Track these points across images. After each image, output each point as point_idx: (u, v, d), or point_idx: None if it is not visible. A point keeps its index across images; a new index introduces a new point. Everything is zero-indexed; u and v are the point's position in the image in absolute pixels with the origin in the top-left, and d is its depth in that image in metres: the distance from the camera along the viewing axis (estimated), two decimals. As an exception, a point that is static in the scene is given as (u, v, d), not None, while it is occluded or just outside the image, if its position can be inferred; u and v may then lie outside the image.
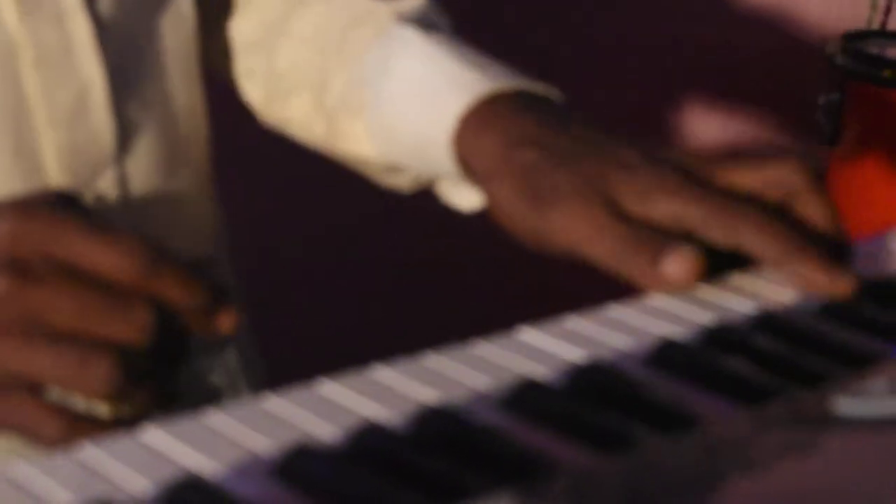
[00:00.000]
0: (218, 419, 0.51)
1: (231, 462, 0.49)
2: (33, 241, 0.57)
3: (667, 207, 0.65)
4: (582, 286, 1.35)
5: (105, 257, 0.56)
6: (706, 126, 1.80)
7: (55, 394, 0.58)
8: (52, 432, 0.57)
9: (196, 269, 0.58)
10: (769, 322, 0.61)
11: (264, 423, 0.51)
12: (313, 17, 0.84)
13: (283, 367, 0.89)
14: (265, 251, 1.53)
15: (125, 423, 0.58)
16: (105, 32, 0.75)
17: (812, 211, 0.66)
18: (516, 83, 0.75)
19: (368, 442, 0.50)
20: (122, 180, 0.77)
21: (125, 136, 0.76)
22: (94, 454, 0.49)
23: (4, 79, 0.71)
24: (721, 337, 0.60)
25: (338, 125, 0.82)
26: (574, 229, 0.66)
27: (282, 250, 1.57)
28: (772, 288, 0.65)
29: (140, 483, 0.47)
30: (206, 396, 0.79)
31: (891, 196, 1.49)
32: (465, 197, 0.78)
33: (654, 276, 0.63)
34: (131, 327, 0.56)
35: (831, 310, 0.63)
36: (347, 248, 1.61)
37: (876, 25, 1.78)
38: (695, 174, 0.67)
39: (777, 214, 0.65)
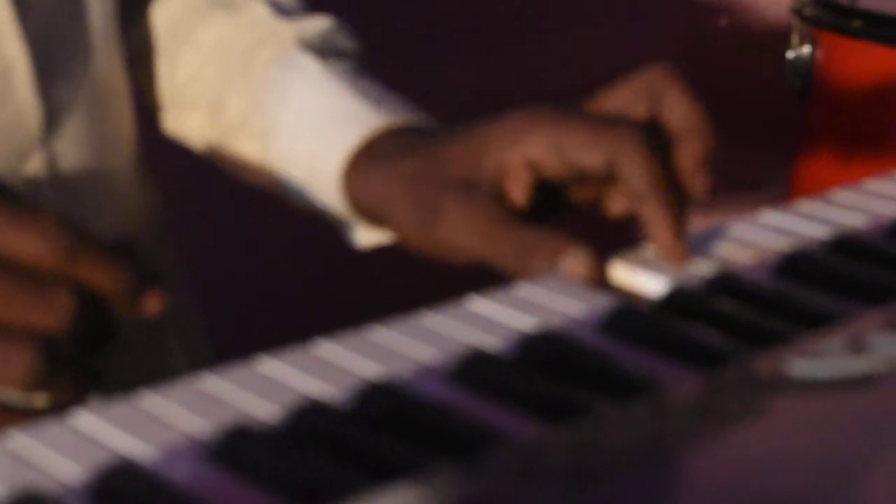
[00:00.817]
0: (152, 401, 0.51)
1: (165, 445, 0.48)
2: None
3: (544, 141, 0.65)
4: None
5: (24, 242, 0.55)
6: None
7: None
8: None
9: (122, 250, 0.57)
10: (726, 284, 0.61)
11: (200, 403, 0.51)
12: (217, 30, 0.85)
13: (231, 351, 0.89)
14: (213, 232, 1.53)
15: (49, 410, 0.57)
16: (27, 11, 0.75)
17: (677, 111, 0.67)
18: (407, 118, 0.76)
19: (309, 420, 0.50)
20: (51, 161, 0.77)
21: (52, 116, 0.76)
22: (22, 441, 0.48)
23: None
24: (676, 300, 0.60)
25: (233, 146, 0.83)
26: (463, 243, 0.67)
27: (231, 231, 1.57)
28: (730, 249, 0.65)
29: (71, 469, 0.46)
30: (147, 380, 0.79)
31: (866, 148, 1.49)
32: (361, 235, 0.79)
33: (559, 267, 0.64)
34: (52, 314, 0.55)
35: (789, 269, 0.63)
36: (297, 231, 1.61)
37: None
38: (568, 107, 0.68)
39: (652, 143, 0.65)
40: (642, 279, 0.63)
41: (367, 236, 0.78)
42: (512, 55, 1.74)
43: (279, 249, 1.62)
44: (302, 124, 0.78)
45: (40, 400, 0.57)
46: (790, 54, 1.55)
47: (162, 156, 0.91)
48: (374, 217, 0.74)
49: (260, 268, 1.61)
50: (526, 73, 1.76)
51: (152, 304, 0.58)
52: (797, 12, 1.57)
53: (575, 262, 0.63)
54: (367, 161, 0.74)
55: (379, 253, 1.67)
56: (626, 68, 1.86)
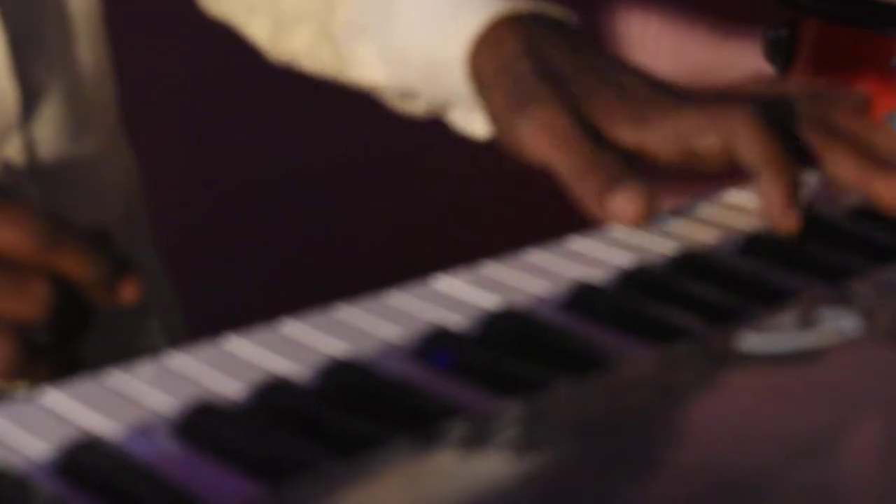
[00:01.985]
0: (118, 379, 0.51)
1: (132, 422, 0.48)
2: None
3: (665, 127, 0.66)
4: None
5: (6, 231, 0.55)
6: (656, 63, 1.80)
7: None
8: None
9: (98, 240, 0.57)
10: (688, 262, 0.62)
11: (166, 381, 0.51)
12: None
13: (209, 332, 0.89)
14: (190, 215, 1.52)
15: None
16: None
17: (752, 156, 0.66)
18: (530, 4, 0.75)
19: (273, 397, 0.50)
20: (29, 146, 0.76)
21: (30, 100, 0.76)
22: None
23: None
24: (639, 279, 0.60)
25: (346, 52, 0.81)
26: (540, 137, 0.67)
27: (208, 214, 1.57)
28: (695, 228, 0.66)
29: (38, 446, 0.47)
30: (126, 362, 0.79)
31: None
32: (477, 124, 0.78)
33: (601, 205, 0.64)
34: (29, 304, 0.55)
35: (751, 248, 0.63)
36: (275, 214, 1.61)
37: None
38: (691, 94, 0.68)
39: (764, 125, 0.66)
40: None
41: (481, 124, 0.77)
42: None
43: (257, 232, 1.62)
44: (418, 15, 0.77)
45: (18, 388, 0.57)
46: (770, 34, 1.55)
47: (139, 140, 0.91)
48: (483, 97, 0.74)
49: (237, 250, 1.61)
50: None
51: (128, 293, 0.58)
52: (777, -5, 1.57)
53: (623, 198, 0.63)
54: (490, 45, 0.73)
55: (356, 239, 1.67)
56: (610, 46, 1.85)
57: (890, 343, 0.48)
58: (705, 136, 0.65)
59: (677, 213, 0.67)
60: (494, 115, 0.72)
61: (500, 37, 0.73)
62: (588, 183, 0.65)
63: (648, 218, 0.64)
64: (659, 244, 0.64)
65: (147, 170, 0.91)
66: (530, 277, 0.60)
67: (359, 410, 0.49)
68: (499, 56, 0.72)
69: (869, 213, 0.67)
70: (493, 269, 0.61)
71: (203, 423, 0.48)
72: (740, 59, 1.83)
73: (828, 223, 0.66)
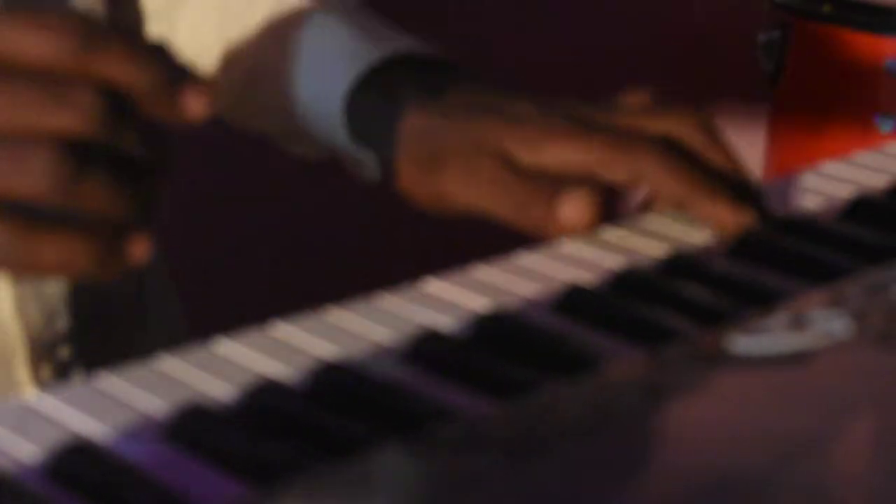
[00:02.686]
0: (109, 382, 0.51)
1: (122, 425, 0.49)
2: None
3: (561, 153, 0.65)
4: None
5: (33, 42, 0.49)
6: (649, 69, 1.80)
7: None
8: (19, 252, 0.50)
9: (149, 46, 0.50)
10: (678, 264, 0.62)
11: (158, 383, 0.51)
12: None
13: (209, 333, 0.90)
14: (193, 224, 1.53)
15: (96, 226, 0.51)
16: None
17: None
18: (408, 48, 0.75)
19: (264, 400, 0.50)
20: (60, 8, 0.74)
21: None
22: None
23: None
24: (629, 281, 0.60)
25: (234, 99, 0.83)
26: (468, 188, 0.66)
27: (211, 224, 1.57)
28: (684, 229, 0.66)
29: (28, 449, 0.47)
30: (128, 360, 0.79)
31: (834, 132, 1.50)
32: (365, 169, 0.78)
33: (553, 222, 0.63)
34: (73, 113, 0.48)
35: (741, 250, 0.63)
36: (274, 221, 1.61)
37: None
38: (591, 120, 0.67)
39: (679, 151, 0.65)
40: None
41: (370, 169, 0.77)
42: (506, 39, 1.74)
43: (257, 241, 1.62)
44: (303, 64, 0.78)
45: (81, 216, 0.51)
46: (762, 38, 1.56)
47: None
48: (373, 150, 0.73)
49: (237, 257, 1.61)
50: (522, 55, 1.76)
51: (195, 105, 0.50)
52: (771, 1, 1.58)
53: (572, 205, 0.63)
54: (370, 94, 0.73)
55: (353, 240, 1.67)
56: (606, 51, 1.86)
57: (880, 345, 0.48)
58: (614, 171, 0.64)
59: (668, 214, 0.67)
60: (402, 175, 0.71)
61: (380, 85, 0.73)
62: (532, 210, 0.64)
63: (600, 218, 0.63)
64: (649, 246, 0.64)
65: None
66: (521, 280, 0.60)
67: (349, 413, 0.49)
68: (384, 107, 0.72)
69: (858, 214, 0.67)
70: (484, 272, 0.61)
71: (193, 426, 0.48)
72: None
73: (818, 225, 0.66)
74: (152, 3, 0.86)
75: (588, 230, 0.63)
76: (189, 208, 1.50)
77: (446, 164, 0.67)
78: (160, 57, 0.50)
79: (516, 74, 1.69)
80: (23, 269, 0.50)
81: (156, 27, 0.87)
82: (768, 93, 1.57)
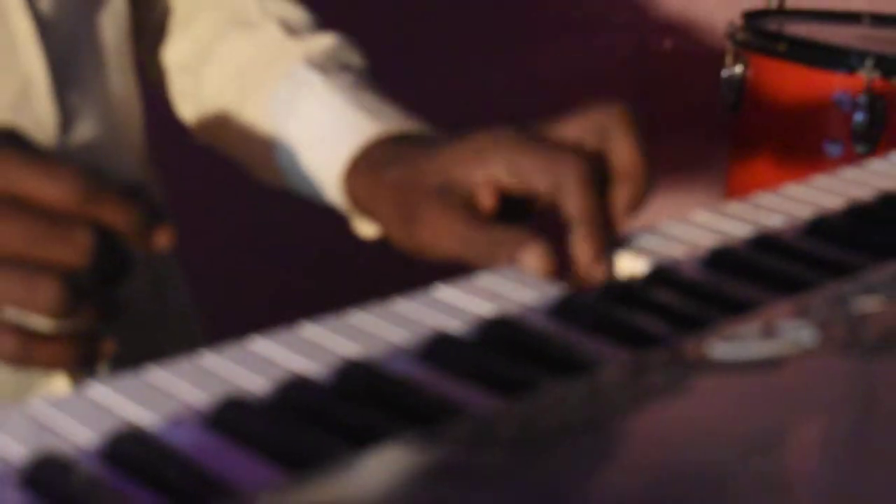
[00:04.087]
0: (156, 375, 0.51)
1: (168, 414, 0.48)
2: None
3: (504, 163, 0.65)
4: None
5: (45, 186, 0.55)
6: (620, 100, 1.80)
7: (12, 314, 0.57)
8: (9, 348, 0.56)
9: (133, 192, 0.57)
10: (660, 275, 0.61)
11: (199, 377, 0.51)
12: (235, 50, 0.84)
13: (220, 332, 0.90)
14: (209, 230, 1.52)
15: (77, 336, 0.58)
16: (46, 30, 0.74)
17: (621, 154, 0.66)
18: (401, 125, 0.75)
19: (294, 394, 0.50)
20: (65, 160, 0.75)
21: (67, 121, 0.75)
22: (42, 409, 0.48)
23: None
24: (617, 291, 0.60)
25: (250, 151, 0.82)
26: (441, 243, 0.67)
27: (224, 231, 1.57)
28: (665, 245, 0.65)
29: (85, 435, 0.47)
30: (149, 357, 0.79)
31: (789, 157, 1.50)
32: (363, 228, 0.78)
33: (519, 262, 0.63)
34: (73, 250, 0.55)
35: (716, 262, 0.63)
36: (285, 234, 1.60)
37: (774, 4, 1.79)
38: (528, 132, 0.67)
39: (594, 177, 0.65)
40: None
41: (365, 229, 0.77)
42: (477, 68, 1.74)
43: (267, 247, 1.62)
44: (307, 134, 0.77)
45: (55, 325, 0.57)
46: (725, 73, 1.56)
47: (165, 160, 0.91)
48: (367, 215, 0.74)
49: (248, 262, 1.61)
50: (490, 84, 1.75)
51: (162, 240, 0.57)
52: (731, 36, 1.57)
53: (532, 255, 0.62)
54: (362, 167, 0.73)
55: (361, 248, 1.66)
56: (582, 81, 1.85)
57: (843, 352, 0.48)
58: (538, 178, 0.64)
59: (650, 231, 0.66)
60: (388, 231, 0.72)
61: (372, 157, 0.73)
62: (497, 259, 0.64)
63: (553, 262, 0.63)
64: (635, 260, 0.64)
65: (171, 185, 0.90)
66: (521, 288, 0.60)
67: (370, 406, 0.49)
68: (372, 175, 0.72)
69: (819, 232, 0.67)
70: (488, 281, 0.61)
71: (231, 416, 0.48)
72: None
73: (783, 242, 0.65)
74: (180, 58, 0.86)
75: (547, 270, 0.63)
76: (206, 214, 1.50)
77: (417, 221, 0.68)
78: (140, 197, 0.56)
79: (479, 104, 1.68)
80: (21, 366, 0.57)
81: (181, 81, 0.87)
82: (730, 122, 1.57)
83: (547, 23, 1.79)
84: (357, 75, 0.81)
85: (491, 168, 0.66)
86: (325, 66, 0.80)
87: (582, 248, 0.63)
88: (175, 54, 0.87)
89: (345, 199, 0.75)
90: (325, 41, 0.82)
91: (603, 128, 0.66)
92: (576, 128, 0.67)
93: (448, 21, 1.74)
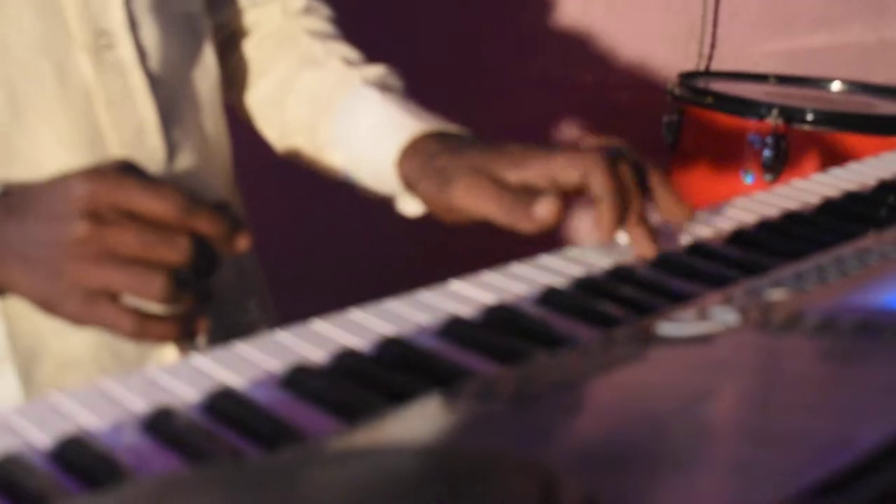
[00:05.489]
0: (242, 348, 0.51)
1: (253, 377, 0.48)
2: (104, 196, 0.56)
3: (536, 165, 0.65)
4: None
5: (155, 204, 0.55)
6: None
7: (131, 300, 0.57)
8: (128, 326, 0.57)
9: (220, 208, 0.57)
10: (618, 273, 0.62)
11: (274, 349, 0.51)
12: (308, 83, 0.83)
13: (293, 312, 0.89)
14: (280, 230, 1.51)
15: (179, 316, 0.58)
16: (155, 84, 0.73)
17: (598, 187, 0.64)
18: (438, 125, 0.74)
19: (346, 362, 0.50)
20: (170, 184, 0.75)
21: (172, 154, 0.75)
22: (157, 373, 0.49)
23: (85, 115, 0.70)
24: (586, 284, 0.60)
25: (323, 155, 0.81)
26: (469, 200, 0.65)
27: (293, 230, 1.56)
28: (623, 249, 0.65)
29: (190, 393, 0.47)
30: (233, 333, 0.79)
31: (714, 184, 1.50)
32: (410, 206, 0.77)
33: (531, 219, 0.62)
34: (176, 252, 0.55)
35: (662, 264, 0.63)
36: (348, 243, 1.58)
37: (702, 67, 1.79)
38: (551, 147, 0.67)
39: (612, 165, 0.64)
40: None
41: (410, 206, 0.76)
42: (457, 103, 1.71)
43: (324, 251, 1.61)
44: (367, 134, 0.77)
45: (163, 308, 0.58)
46: (665, 119, 1.56)
47: (245, 177, 0.90)
48: (412, 189, 0.72)
49: (310, 261, 1.60)
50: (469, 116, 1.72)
51: (242, 243, 0.57)
52: (670, 91, 1.58)
53: (545, 205, 0.61)
54: (410, 154, 0.72)
55: (396, 253, 1.63)
56: (551, 125, 1.81)
57: (758, 331, 0.48)
58: (568, 173, 0.64)
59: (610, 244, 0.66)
60: (427, 196, 0.70)
61: (421, 147, 0.72)
62: (515, 213, 0.63)
63: (562, 216, 0.62)
64: (598, 259, 0.64)
65: (249, 198, 0.90)
66: (515, 283, 0.60)
67: (402, 371, 0.49)
68: (419, 158, 0.71)
69: (738, 241, 0.67)
70: (491, 277, 0.61)
71: (299, 379, 0.48)
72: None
73: (711, 248, 0.65)
74: (265, 95, 0.86)
75: (555, 224, 0.62)
76: (279, 222, 1.49)
77: (453, 184, 0.66)
78: (226, 212, 0.57)
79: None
80: (139, 340, 0.57)
81: (267, 112, 0.86)
82: (669, 157, 1.57)
83: (525, 79, 1.76)
84: (400, 92, 0.81)
85: (528, 173, 0.65)
86: (378, 84, 0.80)
87: (606, 216, 0.62)
88: (260, 92, 0.86)
89: (396, 181, 0.73)
90: (376, 69, 0.82)
91: (585, 165, 0.64)
92: (569, 157, 0.65)
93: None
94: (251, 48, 0.87)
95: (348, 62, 0.83)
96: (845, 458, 0.35)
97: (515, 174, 0.65)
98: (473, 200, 0.65)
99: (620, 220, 0.63)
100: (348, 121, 0.79)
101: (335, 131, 0.80)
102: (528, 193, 0.63)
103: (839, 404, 0.40)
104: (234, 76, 0.87)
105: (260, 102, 0.86)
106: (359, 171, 0.79)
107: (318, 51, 0.84)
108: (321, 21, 0.87)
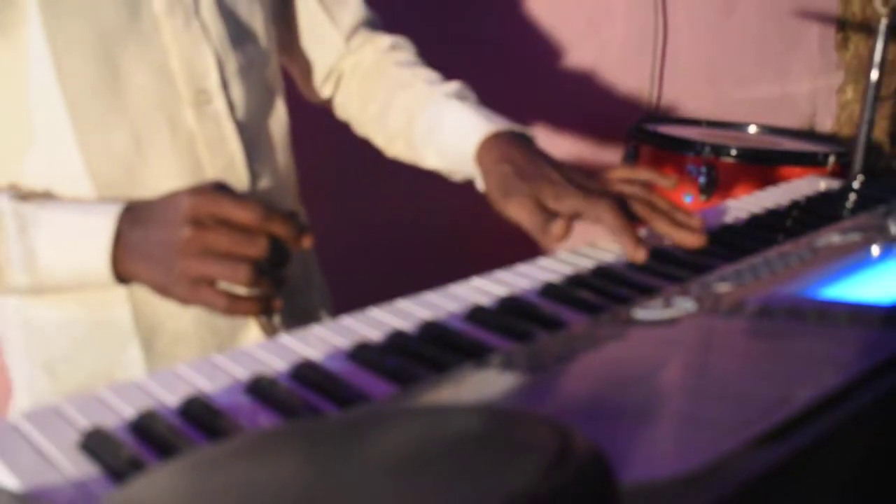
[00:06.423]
0: (317, 329, 0.51)
1: (327, 352, 0.48)
2: (203, 208, 0.57)
3: (568, 204, 0.65)
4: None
5: (242, 213, 0.56)
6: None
7: (224, 286, 0.58)
8: (223, 304, 0.57)
9: (289, 215, 0.58)
10: (601, 271, 0.61)
11: (340, 331, 0.51)
12: (403, 100, 0.83)
13: (344, 298, 0.88)
14: (337, 240, 1.51)
15: (260, 297, 0.59)
16: (241, 128, 0.73)
17: (609, 226, 0.65)
18: (509, 126, 0.74)
19: (395, 340, 0.50)
20: (253, 199, 0.75)
21: (254, 178, 0.75)
22: (254, 349, 0.48)
23: (189, 153, 0.70)
24: (578, 279, 0.59)
25: (419, 153, 0.81)
26: (516, 212, 0.66)
27: (349, 242, 1.55)
28: (602, 251, 0.65)
29: (279, 364, 0.46)
30: (301, 321, 0.79)
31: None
32: (481, 185, 0.75)
33: (550, 235, 0.63)
34: (257, 250, 0.56)
35: (636, 265, 0.62)
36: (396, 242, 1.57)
37: (653, 115, 1.78)
38: (583, 182, 0.67)
39: (622, 206, 0.65)
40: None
41: (482, 185, 0.74)
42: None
43: (374, 251, 1.59)
44: (452, 134, 0.76)
45: (248, 291, 0.58)
46: (625, 153, 1.55)
47: (308, 193, 0.89)
48: (484, 178, 0.72)
49: (362, 258, 1.59)
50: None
51: (306, 243, 0.58)
52: (628, 132, 1.57)
53: (558, 225, 0.63)
54: (485, 147, 0.72)
55: (430, 256, 1.61)
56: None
57: (710, 315, 0.47)
58: (587, 213, 0.64)
59: (597, 244, 0.66)
60: (491, 197, 0.70)
61: (492, 144, 0.72)
62: (542, 230, 0.63)
63: (569, 233, 0.63)
64: (583, 262, 0.63)
65: (310, 208, 0.89)
66: (522, 279, 0.59)
67: (439, 347, 0.49)
68: (492, 155, 0.71)
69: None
70: (503, 275, 0.60)
71: (362, 353, 0.48)
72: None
73: (671, 253, 0.65)
74: (372, 114, 0.85)
75: (565, 240, 0.63)
76: (335, 226, 1.48)
77: (510, 199, 0.67)
78: (294, 219, 0.57)
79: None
80: (229, 315, 0.58)
81: (376, 126, 0.85)
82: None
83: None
84: (474, 100, 0.80)
85: (560, 206, 0.65)
86: (456, 95, 0.80)
87: (626, 245, 0.62)
88: (368, 114, 0.85)
89: (475, 168, 0.73)
90: (454, 84, 0.82)
91: (597, 212, 0.65)
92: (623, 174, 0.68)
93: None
94: (356, 85, 0.87)
95: (430, 82, 0.82)
96: (784, 414, 0.35)
97: (553, 204, 0.66)
98: (519, 214, 0.66)
99: (637, 245, 0.63)
100: (436, 124, 0.78)
101: (426, 134, 0.79)
102: (552, 218, 0.64)
103: (776, 371, 0.40)
104: (347, 104, 0.87)
105: (369, 121, 0.86)
106: (446, 163, 0.78)
107: (406, 76, 0.84)
108: (405, 53, 0.87)
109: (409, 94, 0.82)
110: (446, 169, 0.79)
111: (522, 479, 0.25)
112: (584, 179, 0.67)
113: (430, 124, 0.79)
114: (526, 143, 0.73)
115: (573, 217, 0.65)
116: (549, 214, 0.65)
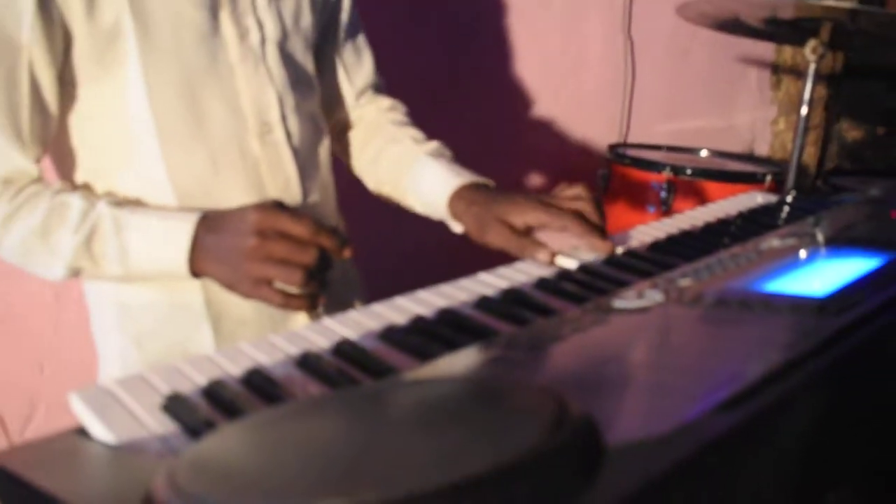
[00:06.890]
0: (356, 314, 0.50)
1: (361, 332, 0.47)
2: (266, 222, 0.57)
3: (532, 216, 0.64)
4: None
5: (296, 227, 0.56)
6: (525, 190, 1.76)
7: (279, 285, 0.58)
8: (278, 301, 0.58)
9: (334, 229, 0.58)
10: (585, 269, 0.60)
11: (373, 316, 0.50)
12: (392, 153, 0.82)
13: (376, 294, 0.88)
14: (373, 250, 1.50)
15: (308, 295, 0.58)
16: (296, 154, 0.73)
17: (586, 210, 0.65)
18: (473, 179, 0.74)
19: (417, 324, 0.49)
20: (305, 210, 0.75)
21: (305, 196, 0.75)
22: (302, 330, 0.47)
23: (255, 174, 0.70)
24: (566, 275, 0.58)
25: (407, 201, 0.81)
26: (496, 240, 0.66)
27: (377, 242, 1.54)
28: (584, 254, 0.64)
29: (323, 343, 0.46)
30: (341, 309, 0.79)
31: (632, 215, 1.48)
32: (456, 227, 0.76)
33: (529, 252, 0.63)
34: (308, 258, 0.56)
35: (612, 263, 0.62)
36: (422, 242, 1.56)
37: (623, 140, 1.77)
38: (543, 200, 0.66)
39: (582, 216, 0.64)
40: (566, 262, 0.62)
41: (457, 228, 0.75)
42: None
43: (400, 254, 1.58)
44: (429, 187, 0.76)
45: (304, 291, 0.58)
46: (599, 172, 1.54)
47: (347, 210, 0.89)
48: (459, 222, 0.72)
49: (390, 261, 1.58)
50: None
51: (347, 252, 0.58)
52: (603, 156, 1.56)
53: (542, 254, 0.62)
54: (456, 198, 0.72)
55: (444, 255, 1.59)
56: (523, 179, 1.74)
57: (676, 304, 0.47)
58: (553, 224, 0.64)
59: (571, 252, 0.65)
60: (470, 232, 0.70)
61: (462, 193, 0.72)
62: (521, 249, 0.63)
63: (553, 255, 0.62)
64: (567, 263, 0.62)
65: (350, 221, 0.89)
66: (519, 274, 0.59)
67: (453, 329, 0.48)
68: (463, 202, 0.71)
69: (659, 248, 0.66)
70: (504, 271, 0.59)
71: (390, 334, 0.47)
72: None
73: (640, 253, 0.64)
74: (367, 159, 0.84)
75: (549, 261, 0.62)
76: (369, 237, 1.47)
77: (487, 230, 0.67)
78: (337, 233, 0.57)
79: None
80: (283, 308, 0.58)
81: (370, 170, 0.84)
82: (602, 198, 1.55)
83: (503, 148, 1.74)
84: (449, 157, 0.80)
85: (528, 218, 0.65)
86: (434, 154, 0.79)
87: (593, 243, 0.62)
88: (364, 160, 0.85)
89: (448, 214, 0.73)
90: (433, 144, 0.81)
91: (576, 195, 0.65)
92: (567, 192, 0.66)
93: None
94: (357, 133, 0.87)
95: (416, 140, 0.82)
96: (737, 387, 0.35)
97: (520, 219, 0.65)
98: (498, 241, 0.66)
99: (602, 239, 0.63)
100: (418, 178, 0.78)
101: (409, 184, 0.79)
102: (532, 240, 0.63)
103: (730, 351, 0.40)
104: (346, 149, 0.87)
105: (365, 166, 0.86)
106: (427, 210, 0.78)
107: (397, 133, 0.84)
108: (399, 114, 0.87)
109: (398, 150, 0.82)
110: (427, 213, 0.79)
111: (531, 437, 0.25)
112: (544, 199, 0.67)
113: (415, 180, 0.79)
114: (488, 188, 0.72)
115: (541, 229, 0.64)
116: (524, 234, 0.64)
